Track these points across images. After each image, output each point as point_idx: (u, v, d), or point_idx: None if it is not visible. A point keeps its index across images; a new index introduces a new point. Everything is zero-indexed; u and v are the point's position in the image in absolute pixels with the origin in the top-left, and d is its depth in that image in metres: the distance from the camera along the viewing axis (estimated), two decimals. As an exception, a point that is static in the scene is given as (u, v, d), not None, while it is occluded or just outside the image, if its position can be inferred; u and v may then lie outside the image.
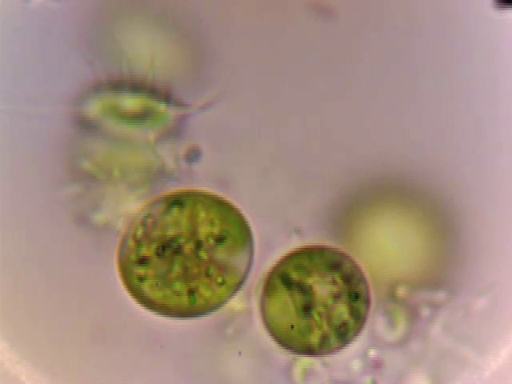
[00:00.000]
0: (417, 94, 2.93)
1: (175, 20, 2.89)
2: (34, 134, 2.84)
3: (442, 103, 2.93)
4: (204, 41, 2.89)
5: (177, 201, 2.84)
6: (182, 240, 2.81)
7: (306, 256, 2.88)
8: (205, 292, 2.82)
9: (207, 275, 2.82)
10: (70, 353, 2.86)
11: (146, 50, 2.84)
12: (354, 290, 2.87)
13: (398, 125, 2.93)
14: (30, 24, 2.85)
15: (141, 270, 2.81)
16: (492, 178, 2.93)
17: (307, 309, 2.84)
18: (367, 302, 2.88)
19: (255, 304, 2.88)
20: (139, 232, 2.82)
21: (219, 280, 2.82)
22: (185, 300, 2.82)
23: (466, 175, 2.93)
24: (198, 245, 2.82)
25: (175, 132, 2.88)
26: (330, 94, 2.93)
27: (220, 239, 2.84)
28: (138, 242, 2.82)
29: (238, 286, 2.85)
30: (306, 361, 2.89)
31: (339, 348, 2.88)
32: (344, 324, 2.86)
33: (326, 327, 2.85)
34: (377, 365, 2.89)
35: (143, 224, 2.82)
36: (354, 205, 2.92)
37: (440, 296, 2.89)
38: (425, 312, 2.90)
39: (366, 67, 2.92)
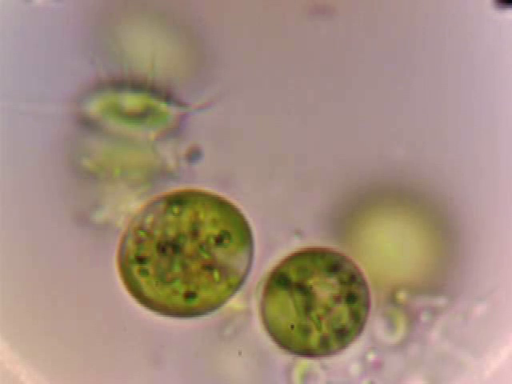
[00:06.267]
0: (417, 95, 2.93)
1: (176, 20, 2.90)
2: (35, 133, 2.85)
3: (441, 104, 2.93)
4: (205, 40, 2.90)
5: (177, 200, 2.85)
6: (182, 240, 2.82)
7: (307, 257, 2.87)
8: (204, 292, 2.82)
9: (207, 275, 2.82)
10: (70, 353, 2.86)
11: (147, 49, 2.85)
12: (351, 292, 2.86)
13: (399, 126, 2.93)
14: (32, 24, 2.86)
15: (140, 267, 2.81)
16: (492, 179, 2.93)
17: (307, 309, 2.84)
18: (367, 305, 2.88)
19: (255, 304, 2.88)
20: (139, 231, 2.82)
21: (218, 279, 2.82)
22: (183, 300, 2.82)
23: (465, 177, 2.93)
24: (199, 245, 2.82)
25: (176, 131, 2.89)
26: (330, 94, 2.93)
27: (220, 239, 2.84)
28: (138, 242, 2.82)
29: (237, 285, 2.85)
30: (305, 363, 2.88)
31: (338, 350, 2.87)
32: (343, 326, 2.85)
33: (325, 329, 2.84)
34: (376, 366, 2.89)
35: (143, 223, 2.83)
36: (356, 207, 2.92)
37: (440, 301, 2.89)
38: (424, 316, 2.89)
39: (366, 68, 2.92)
